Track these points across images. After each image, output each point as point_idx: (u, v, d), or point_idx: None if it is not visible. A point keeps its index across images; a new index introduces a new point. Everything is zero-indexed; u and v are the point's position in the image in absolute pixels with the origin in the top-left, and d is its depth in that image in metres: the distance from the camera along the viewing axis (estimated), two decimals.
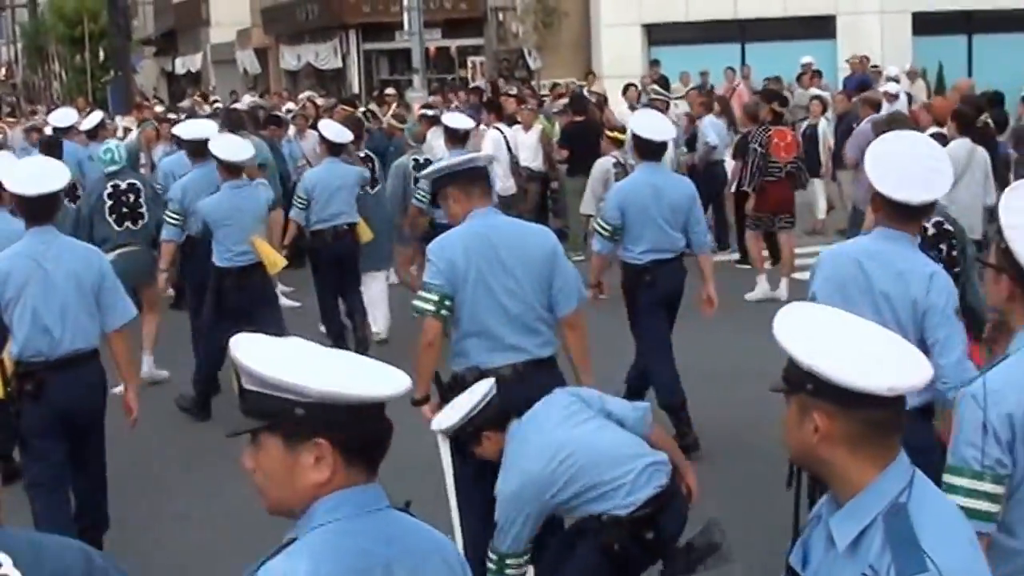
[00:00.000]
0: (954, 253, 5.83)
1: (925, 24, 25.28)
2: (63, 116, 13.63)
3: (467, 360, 5.30)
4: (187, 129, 10.48)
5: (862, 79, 22.21)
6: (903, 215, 4.51)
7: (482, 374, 5.12)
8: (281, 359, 2.36)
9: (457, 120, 11.06)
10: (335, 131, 10.73)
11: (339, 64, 31.35)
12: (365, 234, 10.56)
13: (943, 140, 11.15)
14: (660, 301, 6.87)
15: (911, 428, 2.57)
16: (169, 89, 47.64)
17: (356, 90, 29.57)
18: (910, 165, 4.50)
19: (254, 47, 38.27)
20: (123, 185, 9.93)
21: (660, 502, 4.50)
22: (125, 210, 9.94)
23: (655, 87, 18.23)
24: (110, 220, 9.90)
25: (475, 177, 5.45)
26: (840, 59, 24.66)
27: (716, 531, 4.71)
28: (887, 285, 4.53)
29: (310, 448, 2.34)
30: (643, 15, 26.97)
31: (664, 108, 15.60)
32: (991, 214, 9.13)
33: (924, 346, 4.37)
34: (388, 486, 2.46)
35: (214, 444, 6.98)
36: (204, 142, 9.43)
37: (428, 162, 11.03)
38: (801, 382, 2.49)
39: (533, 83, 26.21)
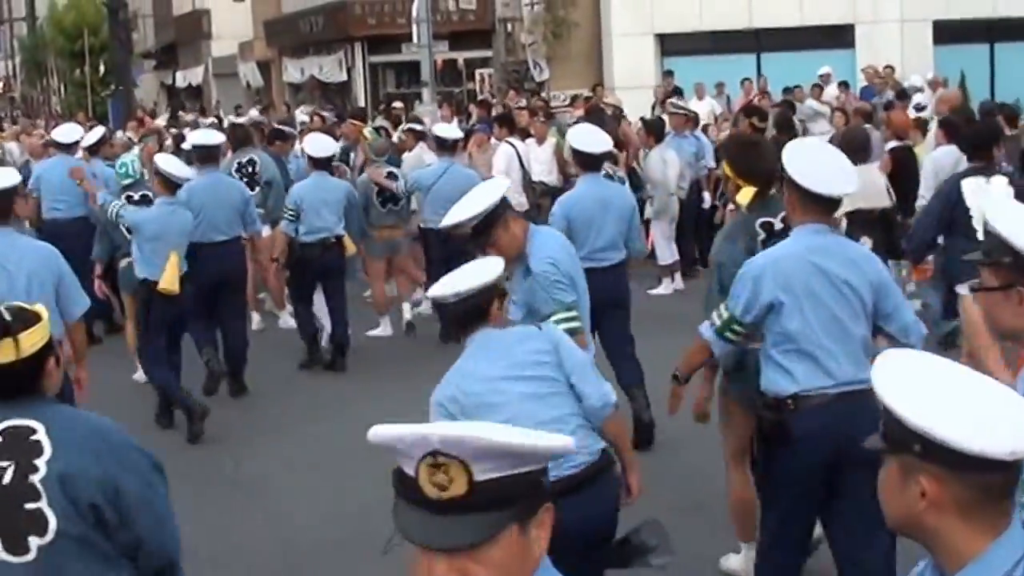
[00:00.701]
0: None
1: (946, 33, 24.95)
2: (68, 131, 13.29)
3: None
4: (197, 137, 11.13)
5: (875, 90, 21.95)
6: (824, 208, 4.90)
7: None
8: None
9: (446, 130, 11.93)
10: (317, 146, 11.15)
11: (344, 77, 31.09)
12: (351, 247, 11.07)
13: (905, 152, 11.46)
14: (596, 306, 6.82)
15: None
16: (169, 103, 47.42)
17: (362, 103, 29.26)
18: (825, 163, 4.94)
19: (257, 60, 38.01)
20: (136, 197, 10.14)
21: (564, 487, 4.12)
22: None
23: (674, 100, 17.85)
24: (124, 231, 10.05)
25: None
26: (858, 69, 24.36)
27: (652, 532, 4.62)
28: (846, 274, 4.84)
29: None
30: (656, 25, 26.68)
31: (685, 123, 15.30)
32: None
33: (877, 318, 4.89)
34: None
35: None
36: (215, 147, 10.57)
37: (392, 176, 11.80)
38: (907, 443, 2.22)
39: (543, 95, 25.89)
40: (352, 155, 14.38)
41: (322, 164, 11.06)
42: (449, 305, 4.52)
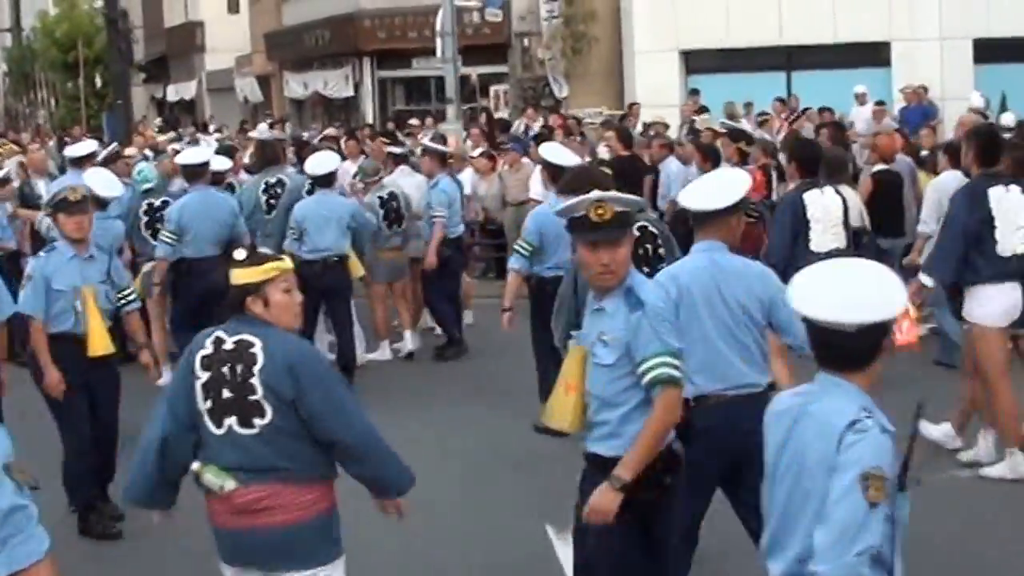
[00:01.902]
0: (660, 251, 7.21)
1: (986, 51, 24.32)
2: (82, 147, 12.65)
3: None
4: (185, 155, 11.57)
5: (924, 111, 21.34)
6: (716, 225, 5.53)
7: None
8: None
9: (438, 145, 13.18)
10: (317, 164, 11.30)
11: (350, 93, 30.35)
12: (357, 269, 11.21)
13: (890, 175, 11.69)
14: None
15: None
16: (160, 118, 46.69)
17: (370, 120, 28.54)
18: (709, 180, 5.82)
19: (256, 74, 37.25)
20: (157, 203, 11.13)
21: None
22: (159, 226, 10.98)
23: (725, 121, 17.16)
24: (146, 235, 11.14)
25: None
26: (895, 88, 23.74)
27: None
28: (738, 288, 5.52)
29: None
30: (680, 41, 26.02)
31: (737, 138, 14.50)
32: None
33: (769, 328, 5.55)
34: None
35: None
36: (203, 165, 10.94)
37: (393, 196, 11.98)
38: None
39: (563, 112, 25.21)
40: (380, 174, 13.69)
41: (323, 182, 11.18)
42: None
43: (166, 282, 10.86)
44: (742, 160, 12.04)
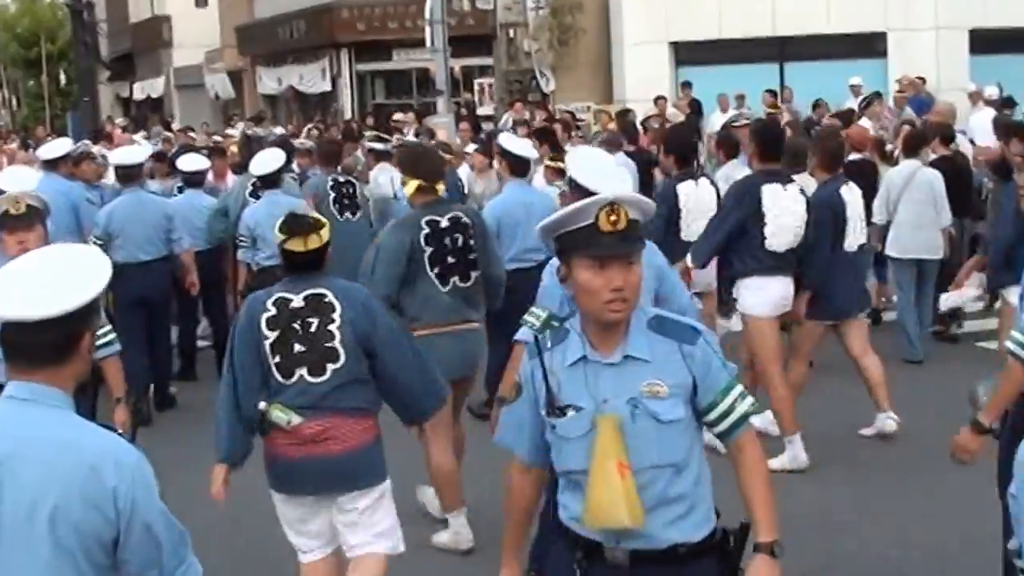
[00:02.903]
0: (471, 242, 6.92)
1: (982, 42, 24.09)
2: (54, 147, 11.91)
3: None
4: (118, 155, 11.02)
5: (920, 102, 21.03)
6: None
7: None
8: None
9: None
10: (261, 164, 10.64)
11: (327, 87, 29.76)
12: None
13: (862, 166, 11.45)
14: (517, 304, 6.96)
15: None
16: (126, 116, 45.98)
17: (348, 115, 28.02)
18: (603, 167, 5.80)
19: (227, 70, 36.61)
20: None
21: None
22: None
23: (743, 111, 16.77)
24: None
25: None
26: (891, 79, 23.44)
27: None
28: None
29: None
30: (671, 32, 25.68)
31: None
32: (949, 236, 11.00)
33: (658, 300, 5.60)
34: None
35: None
36: (138, 166, 10.57)
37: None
38: None
39: (548, 107, 24.80)
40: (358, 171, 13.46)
41: (268, 182, 10.56)
42: None
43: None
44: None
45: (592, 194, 5.29)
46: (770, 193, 7.94)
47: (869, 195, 11.41)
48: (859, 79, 22.84)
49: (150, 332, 10.29)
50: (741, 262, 8.04)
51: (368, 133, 16.19)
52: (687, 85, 24.33)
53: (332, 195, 11.06)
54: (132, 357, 9.95)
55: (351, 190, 11.21)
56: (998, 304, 8.99)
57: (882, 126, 17.18)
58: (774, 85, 24.49)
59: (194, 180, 11.65)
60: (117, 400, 6.22)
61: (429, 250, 6.76)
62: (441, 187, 6.86)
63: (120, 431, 3.23)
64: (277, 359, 5.25)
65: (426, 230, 6.75)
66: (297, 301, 5.28)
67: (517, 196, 9.16)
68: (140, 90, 45.65)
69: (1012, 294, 7.47)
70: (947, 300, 9.92)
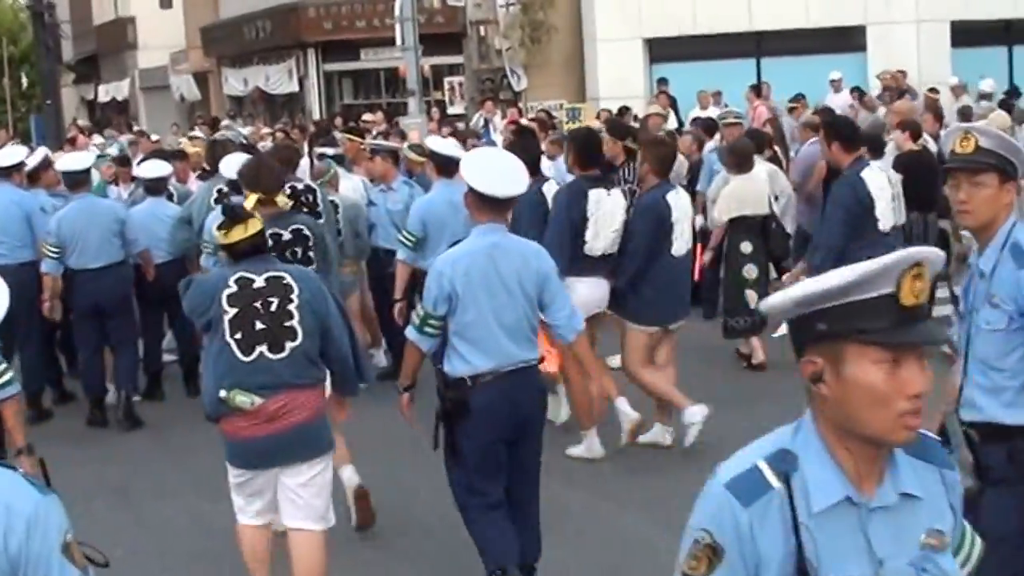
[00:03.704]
0: (310, 254, 7.09)
1: (963, 35, 23.62)
2: (7, 156, 11.22)
3: None
4: (66, 162, 10.76)
5: (901, 96, 20.53)
6: (498, 209, 5.75)
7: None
8: None
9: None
10: (233, 167, 9.66)
11: (295, 88, 29.07)
12: None
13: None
14: None
15: None
16: (91, 119, 45.24)
17: (316, 116, 27.33)
18: (498, 168, 5.80)
19: (192, 71, 35.88)
20: None
21: None
22: None
23: (729, 108, 16.18)
24: None
25: None
26: (871, 74, 22.98)
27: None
28: (517, 267, 5.77)
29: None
30: (644, 29, 25.08)
31: (741, 132, 13.58)
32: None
33: (540, 306, 5.85)
34: None
35: None
36: (84, 172, 10.32)
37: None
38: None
39: (520, 105, 24.18)
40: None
41: (238, 187, 9.94)
42: None
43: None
44: (629, 157, 11.17)
45: (490, 199, 5.70)
46: (595, 198, 8.21)
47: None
48: (839, 74, 22.43)
49: (109, 341, 10.17)
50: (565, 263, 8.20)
51: (338, 135, 15.54)
52: (663, 82, 23.75)
53: (290, 204, 10.36)
54: (89, 367, 10.19)
55: (311, 198, 10.47)
56: None
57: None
58: (751, 81, 24.00)
59: (155, 187, 10.98)
60: (18, 452, 5.46)
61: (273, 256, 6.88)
62: (282, 199, 6.95)
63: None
64: (238, 336, 5.55)
65: (269, 243, 6.77)
66: (259, 281, 5.60)
67: (444, 196, 9.22)
68: (105, 92, 44.94)
69: None
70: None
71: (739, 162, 10.67)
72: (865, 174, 8.45)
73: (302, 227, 7.14)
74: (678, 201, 8.36)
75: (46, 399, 10.62)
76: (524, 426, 5.79)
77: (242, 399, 5.50)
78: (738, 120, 13.73)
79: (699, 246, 11.28)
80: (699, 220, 12.69)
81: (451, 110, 25.87)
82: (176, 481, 8.45)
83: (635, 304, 8.31)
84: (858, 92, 21.45)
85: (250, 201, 6.62)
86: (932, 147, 12.31)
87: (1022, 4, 23.78)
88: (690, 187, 13.04)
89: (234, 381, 5.52)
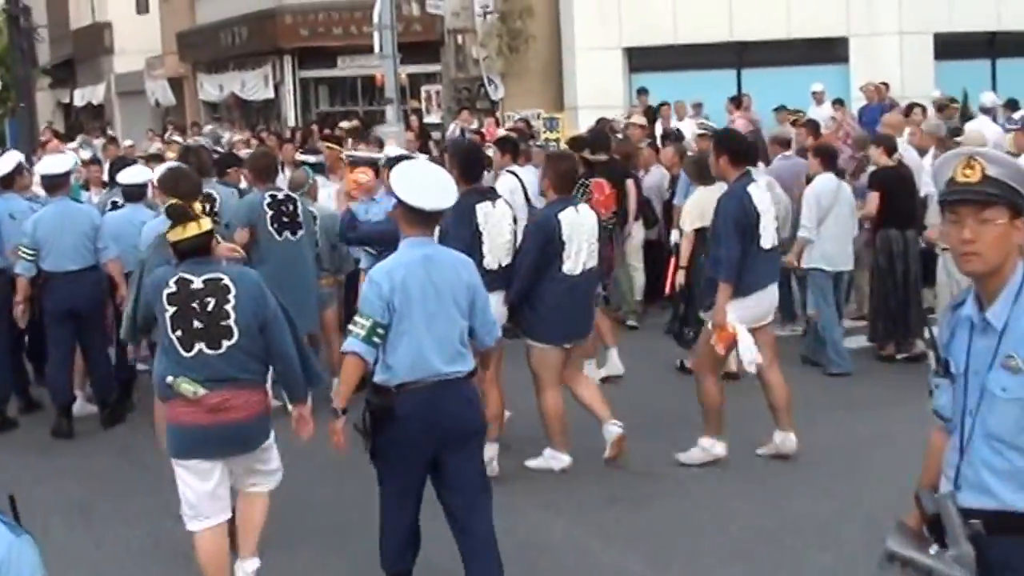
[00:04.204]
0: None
1: (946, 47, 23.35)
2: None
3: None
4: (45, 165, 10.64)
5: (885, 109, 20.24)
6: (427, 221, 5.84)
7: None
8: None
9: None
10: (129, 175, 10.51)
11: (270, 94, 28.63)
12: None
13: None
14: None
15: None
16: (66, 123, 44.76)
17: (292, 123, 26.93)
18: (427, 182, 5.86)
19: (168, 76, 35.41)
20: None
21: None
22: None
23: (704, 120, 15.91)
24: None
25: None
26: (853, 86, 22.69)
27: None
28: (448, 278, 5.83)
29: None
30: (624, 38, 24.75)
31: (580, 147, 13.37)
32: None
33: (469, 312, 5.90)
34: None
35: None
36: (64, 175, 10.26)
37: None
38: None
39: (497, 115, 23.82)
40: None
41: (134, 194, 10.39)
42: None
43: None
44: (591, 172, 11.18)
45: (417, 211, 5.74)
46: (482, 212, 8.20)
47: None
48: (821, 86, 22.15)
49: (83, 345, 10.14)
50: None
51: (320, 144, 15.18)
52: (643, 92, 23.42)
53: (269, 213, 9.95)
54: (57, 373, 10.07)
55: (291, 207, 10.12)
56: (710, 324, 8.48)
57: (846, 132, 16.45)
58: (732, 92, 23.72)
59: (134, 194, 10.58)
60: None
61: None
62: (197, 207, 6.83)
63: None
64: (178, 333, 5.92)
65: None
66: (197, 283, 5.94)
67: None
68: (81, 97, 44.44)
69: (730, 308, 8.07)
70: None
71: (702, 173, 10.58)
72: (751, 189, 8.31)
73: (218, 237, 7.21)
74: (574, 219, 8.24)
75: (12, 408, 10.43)
76: (452, 438, 5.80)
77: (186, 387, 5.87)
78: (709, 131, 13.50)
79: (672, 259, 11.20)
80: (674, 235, 12.55)
81: (428, 119, 25.48)
82: (142, 501, 8.07)
83: (530, 320, 8.23)
84: (840, 104, 21.22)
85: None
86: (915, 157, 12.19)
87: (1006, 16, 23.51)
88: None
89: (180, 372, 5.92)
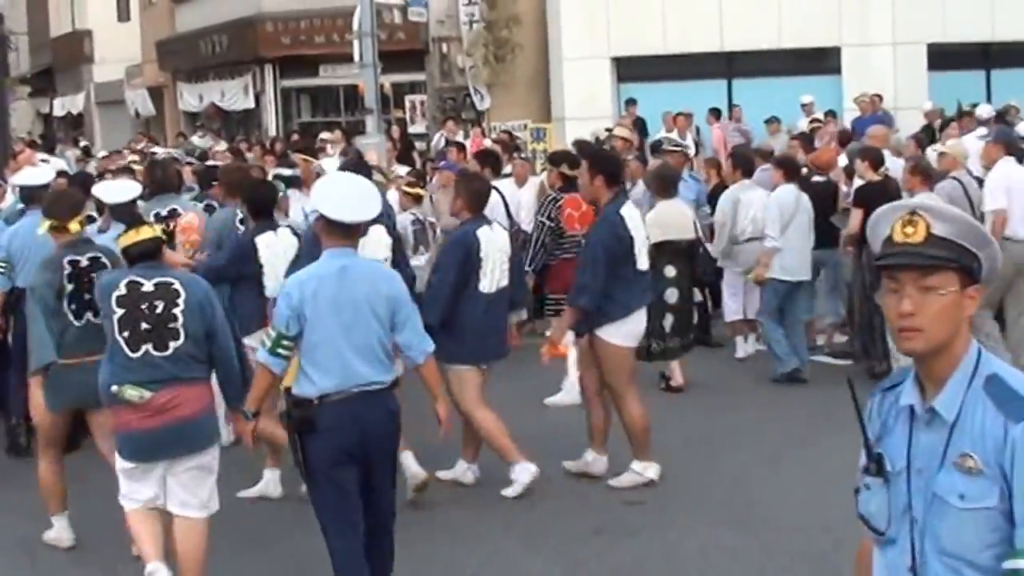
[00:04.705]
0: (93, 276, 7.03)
1: (940, 58, 22.91)
2: None
3: None
4: (24, 177, 10.41)
5: (879, 121, 19.81)
6: (346, 233, 5.96)
7: None
8: None
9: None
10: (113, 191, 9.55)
11: (251, 104, 28.05)
12: None
13: (824, 186, 12.10)
14: None
15: None
16: (47, 133, 44.18)
17: (273, 133, 26.38)
18: (348, 194, 6.03)
19: (147, 85, 34.83)
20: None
21: None
22: None
23: (671, 136, 15.54)
24: None
25: None
26: (846, 97, 22.28)
27: None
28: (366, 289, 5.94)
29: None
30: (612, 47, 24.26)
31: (683, 162, 13.13)
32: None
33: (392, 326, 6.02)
34: None
35: None
36: (43, 187, 9.67)
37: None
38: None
39: (483, 125, 23.33)
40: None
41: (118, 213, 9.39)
42: None
43: None
44: (567, 187, 10.86)
45: (339, 224, 5.83)
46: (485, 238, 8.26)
47: (828, 216, 11.83)
48: (811, 97, 21.79)
49: None
50: None
51: (294, 156, 14.64)
52: (632, 103, 22.95)
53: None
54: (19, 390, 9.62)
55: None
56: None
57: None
58: (722, 102, 23.35)
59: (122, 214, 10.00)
60: None
61: (70, 288, 7.01)
62: (75, 226, 7.08)
63: None
64: (126, 334, 6.09)
65: (68, 269, 7.03)
66: (148, 286, 6.14)
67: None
68: (60, 106, 43.92)
69: (609, 333, 8.15)
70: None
71: (663, 186, 10.85)
72: (624, 211, 8.26)
73: (99, 255, 7.22)
74: (489, 236, 8.25)
75: None
76: (373, 448, 5.89)
77: (131, 392, 6.04)
78: (678, 148, 13.31)
79: None
80: None
81: (412, 129, 24.97)
82: (92, 535, 7.59)
83: (446, 342, 7.87)
84: (832, 115, 20.79)
85: (43, 227, 7.16)
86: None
87: (1000, 27, 23.06)
88: None
89: (125, 376, 6.08)
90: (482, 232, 8.24)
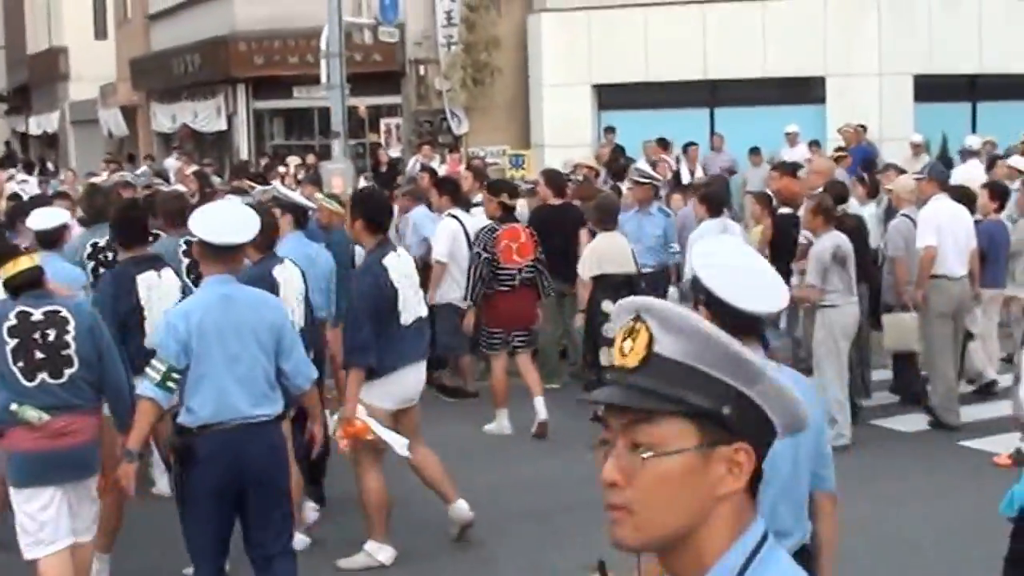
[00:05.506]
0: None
1: (926, 90, 22.44)
2: None
3: None
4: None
5: (864, 153, 19.33)
6: (227, 259, 6.00)
7: None
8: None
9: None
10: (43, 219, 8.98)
11: (223, 126, 27.37)
12: None
13: (787, 219, 11.56)
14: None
15: None
16: (23, 151, 43.58)
17: (245, 156, 25.75)
18: (221, 217, 6.11)
19: (120, 105, 34.16)
20: None
21: None
22: None
23: (639, 167, 15.07)
24: None
25: None
26: (831, 127, 21.76)
27: None
28: (249, 317, 5.94)
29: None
30: (593, 74, 23.69)
31: (651, 195, 12.66)
32: None
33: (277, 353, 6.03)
34: None
35: None
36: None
37: None
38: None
39: (460, 151, 22.74)
40: None
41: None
42: None
43: None
44: (506, 217, 10.68)
45: (216, 248, 5.91)
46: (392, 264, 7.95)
47: (790, 250, 11.02)
48: (795, 127, 21.34)
49: None
50: None
51: (244, 184, 14.02)
52: (610, 130, 22.40)
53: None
54: None
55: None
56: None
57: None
58: (704, 131, 22.81)
59: (45, 239, 9.27)
60: None
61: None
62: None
63: None
64: (20, 364, 6.07)
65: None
66: (37, 315, 6.13)
67: (296, 248, 8.65)
68: (36, 125, 43.28)
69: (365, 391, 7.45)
70: None
71: (603, 219, 10.83)
72: (387, 261, 7.52)
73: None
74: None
75: None
76: (252, 481, 5.87)
77: (31, 413, 6.06)
78: (647, 180, 12.83)
79: None
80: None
81: (387, 153, 24.35)
82: None
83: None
84: (816, 146, 20.31)
85: None
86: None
87: (987, 59, 22.60)
88: None
89: (22, 401, 6.06)
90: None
